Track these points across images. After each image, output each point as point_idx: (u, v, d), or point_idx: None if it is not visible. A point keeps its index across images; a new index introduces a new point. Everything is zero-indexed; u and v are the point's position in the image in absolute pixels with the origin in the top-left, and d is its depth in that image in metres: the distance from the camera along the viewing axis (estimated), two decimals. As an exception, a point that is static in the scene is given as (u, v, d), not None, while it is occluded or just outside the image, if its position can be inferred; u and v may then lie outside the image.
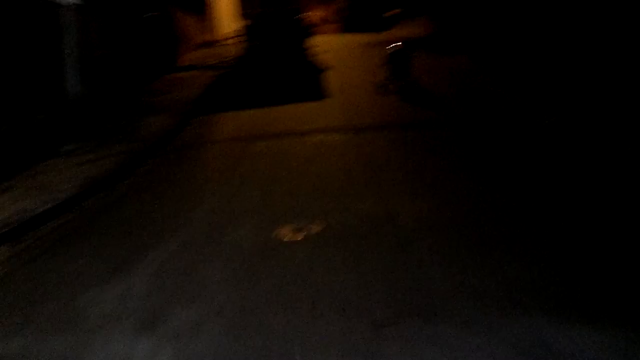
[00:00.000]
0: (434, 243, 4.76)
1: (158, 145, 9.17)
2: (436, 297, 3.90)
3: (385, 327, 3.61)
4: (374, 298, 3.96)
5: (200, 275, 4.54)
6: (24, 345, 3.85)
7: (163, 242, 5.25)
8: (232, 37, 24.45)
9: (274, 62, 16.38)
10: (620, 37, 9.33)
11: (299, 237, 5.09)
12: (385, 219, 5.39)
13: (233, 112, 11.15)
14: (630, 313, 3.60)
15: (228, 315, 3.92)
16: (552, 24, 11.85)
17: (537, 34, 12.42)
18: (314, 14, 28.67)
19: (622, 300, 3.75)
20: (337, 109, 10.70)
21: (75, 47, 9.63)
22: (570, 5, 11.10)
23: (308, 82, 13.71)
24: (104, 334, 3.86)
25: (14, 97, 8.33)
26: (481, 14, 16.06)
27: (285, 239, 5.08)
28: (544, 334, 3.41)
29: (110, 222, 6.04)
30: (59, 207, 6.32)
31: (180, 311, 4.03)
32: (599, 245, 4.54)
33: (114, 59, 11.75)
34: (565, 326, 3.46)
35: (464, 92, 11.42)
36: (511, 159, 7.18)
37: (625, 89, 8.70)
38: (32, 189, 7.10)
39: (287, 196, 6.32)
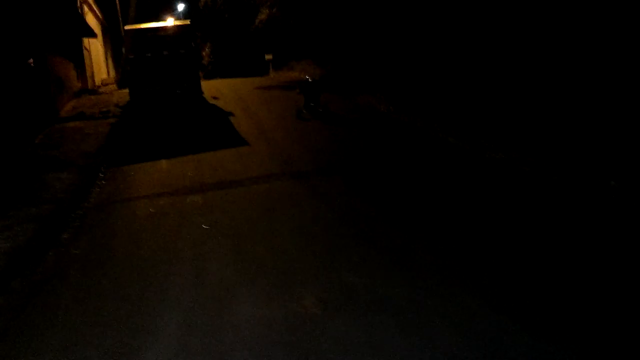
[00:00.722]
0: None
1: (74, 205, 7.96)
2: None
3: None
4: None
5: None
6: None
7: (152, 335, 4.21)
8: (111, 84, 22.97)
9: (169, 109, 15.38)
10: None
11: (332, 308, 4.37)
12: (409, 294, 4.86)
13: (148, 163, 10.13)
14: None
15: None
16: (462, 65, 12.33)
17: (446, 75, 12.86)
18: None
19: None
20: (266, 153, 10.15)
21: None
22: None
23: (219, 127, 13.02)
24: None
25: None
26: (384, 54, 16.43)
27: (317, 312, 4.35)
28: None
29: (61, 309, 4.82)
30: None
31: None
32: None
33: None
34: None
35: (385, 127, 11.46)
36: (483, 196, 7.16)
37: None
38: None
39: (272, 259, 5.58)
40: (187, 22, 16.43)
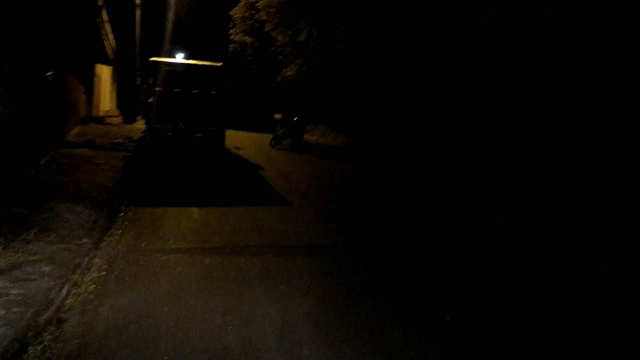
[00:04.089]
0: None
1: (96, 248, 6.35)
2: None
3: None
4: None
5: None
6: None
7: None
8: (115, 116, 21.48)
9: (189, 151, 13.83)
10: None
11: None
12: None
13: (177, 208, 8.59)
14: None
15: None
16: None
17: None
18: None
19: None
20: (312, 217, 8.73)
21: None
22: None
23: (251, 180, 11.65)
24: None
25: None
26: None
27: None
28: None
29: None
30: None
31: None
32: None
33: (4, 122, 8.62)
34: None
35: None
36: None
37: None
38: None
39: None
40: (219, 64, 15.19)
